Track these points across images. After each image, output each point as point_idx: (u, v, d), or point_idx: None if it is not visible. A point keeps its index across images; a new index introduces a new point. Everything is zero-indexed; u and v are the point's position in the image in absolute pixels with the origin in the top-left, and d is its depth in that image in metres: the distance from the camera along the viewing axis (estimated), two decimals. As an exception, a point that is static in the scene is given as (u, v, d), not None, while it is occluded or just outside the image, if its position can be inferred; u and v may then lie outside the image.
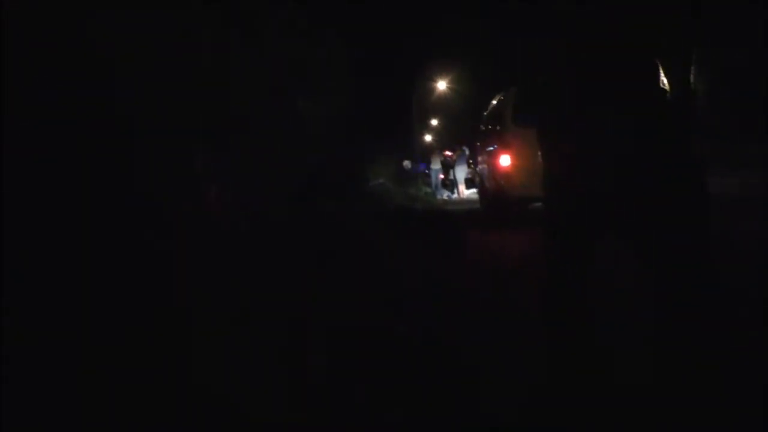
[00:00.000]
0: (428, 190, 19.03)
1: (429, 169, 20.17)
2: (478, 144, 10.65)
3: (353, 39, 10.80)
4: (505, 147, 7.46)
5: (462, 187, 18.26)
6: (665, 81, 1.58)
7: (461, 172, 18.11)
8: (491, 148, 8.43)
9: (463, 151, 18.17)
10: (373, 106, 15.54)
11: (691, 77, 1.60)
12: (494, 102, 9.07)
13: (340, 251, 4.64)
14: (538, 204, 6.92)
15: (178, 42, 3.56)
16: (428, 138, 32.19)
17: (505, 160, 7.39)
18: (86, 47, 2.97)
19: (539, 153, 5.90)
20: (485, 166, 9.19)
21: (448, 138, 28.06)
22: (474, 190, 14.05)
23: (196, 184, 3.84)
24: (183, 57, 3.56)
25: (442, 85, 25.40)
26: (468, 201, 15.20)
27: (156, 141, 3.42)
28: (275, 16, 4.67)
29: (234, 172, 4.14)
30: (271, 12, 4.63)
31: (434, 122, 33.20)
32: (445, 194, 18.54)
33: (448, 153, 20.43)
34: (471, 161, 16.48)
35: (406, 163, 20.91)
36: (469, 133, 17.53)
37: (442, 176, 19.32)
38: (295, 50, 4.83)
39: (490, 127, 8.96)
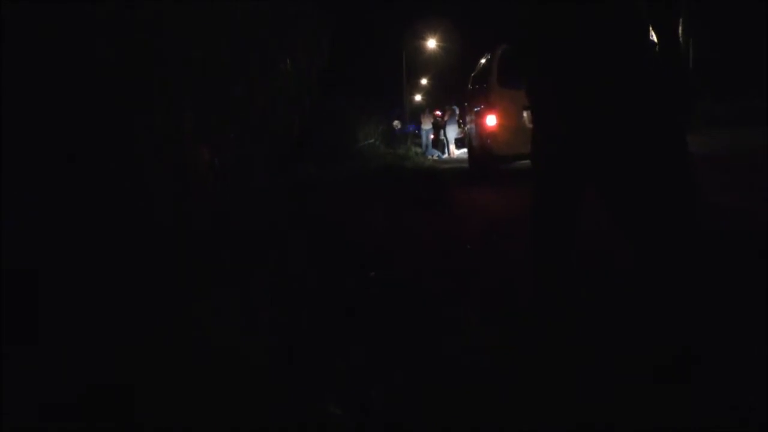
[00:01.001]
0: (418, 150, 19.00)
1: (419, 129, 20.08)
2: (466, 104, 10.69)
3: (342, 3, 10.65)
4: (490, 107, 7.54)
5: (453, 147, 18.26)
6: (654, 35, 1.56)
7: (452, 132, 18.08)
8: (478, 108, 8.49)
9: (454, 110, 18.08)
10: (362, 66, 15.39)
11: (680, 31, 1.57)
12: (482, 61, 9.06)
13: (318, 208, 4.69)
14: (523, 162, 7.07)
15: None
16: (418, 98, 31.92)
17: (490, 120, 7.49)
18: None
19: (524, 113, 6.03)
20: (472, 125, 9.27)
21: (440, 97, 27.84)
22: (465, 150, 14.09)
23: (184, 145, 3.70)
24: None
25: (432, 44, 25.05)
26: (458, 160, 15.24)
27: (139, 98, 3.25)
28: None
29: (223, 133, 4.04)
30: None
31: (424, 82, 32.84)
32: (435, 154, 18.54)
33: (437, 113, 20.32)
34: (461, 121, 16.42)
35: (396, 123, 20.84)
36: (459, 92, 17.40)
37: (432, 136, 19.27)
38: (279, 8, 4.74)
39: (477, 86, 9.00)
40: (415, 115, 22.83)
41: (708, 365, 1.54)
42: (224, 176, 3.83)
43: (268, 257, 3.13)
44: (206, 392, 1.76)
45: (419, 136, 20.21)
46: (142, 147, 3.24)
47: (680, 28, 1.57)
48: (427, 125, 19.24)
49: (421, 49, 25.44)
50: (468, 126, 10.22)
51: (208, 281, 2.66)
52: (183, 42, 3.56)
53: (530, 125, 1.87)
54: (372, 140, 17.33)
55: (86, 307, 2.23)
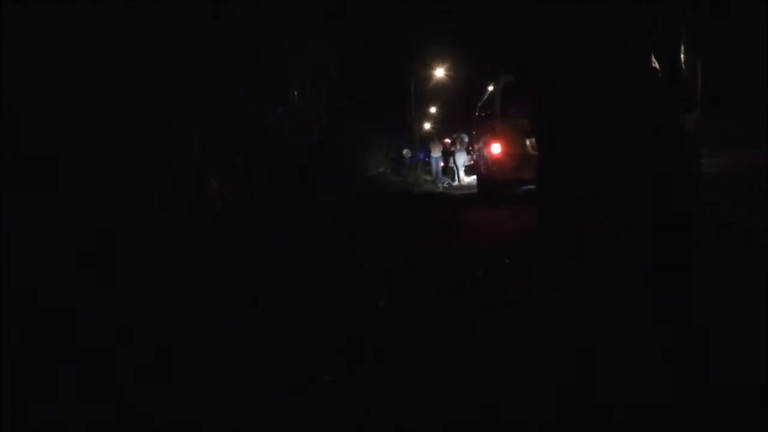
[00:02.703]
0: (428, 178, 19.14)
1: (429, 157, 20.28)
2: (474, 132, 10.95)
3: (350, 31, 10.95)
4: (495, 136, 7.78)
5: (462, 174, 18.41)
6: (656, 61, 1.58)
7: (461, 160, 18.26)
8: (484, 137, 8.75)
9: (463, 139, 18.29)
10: (372, 95, 15.65)
11: (681, 56, 1.59)
12: (489, 89, 9.29)
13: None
14: (527, 187, 7.22)
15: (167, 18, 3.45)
16: (427, 126, 32.22)
17: (495, 148, 7.72)
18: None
19: (526, 141, 6.19)
20: (479, 153, 9.53)
21: (448, 125, 28.10)
22: (474, 177, 14.19)
23: (193, 175, 3.75)
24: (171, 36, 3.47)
25: (440, 72, 25.41)
26: (468, 187, 15.34)
27: (147, 128, 3.21)
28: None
29: (233, 161, 4.13)
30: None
31: (433, 110, 33.18)
32: (445, 182, 18.67)
33: (447, 141, 20.52)
34: (470, 148, 16.58)
35: (406, 152, 21.04)
36: (467, 120, 17.62)
37: (442, 164, 19.44)
38: (287, 37, 4.90)
39: (483, 115, 9.24)
40: (424, 143, 23.03)
41: (708, 365, 1.58)
42: (235, 199, 3.90)
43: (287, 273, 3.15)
44: (207, 392, 1.80)
45: (428, 163, 20.37)
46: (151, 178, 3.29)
47: (682, 56, 1.60)
48: (436, 153, 19.40)
49: (429, 78, 25.80)
50: (475, 153, 10.48)
51: (217, 288, 2.70)
52: (196, 67, 3.64)
53: (533, 152, 1.91)
54: (382, 169, 17.51)
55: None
